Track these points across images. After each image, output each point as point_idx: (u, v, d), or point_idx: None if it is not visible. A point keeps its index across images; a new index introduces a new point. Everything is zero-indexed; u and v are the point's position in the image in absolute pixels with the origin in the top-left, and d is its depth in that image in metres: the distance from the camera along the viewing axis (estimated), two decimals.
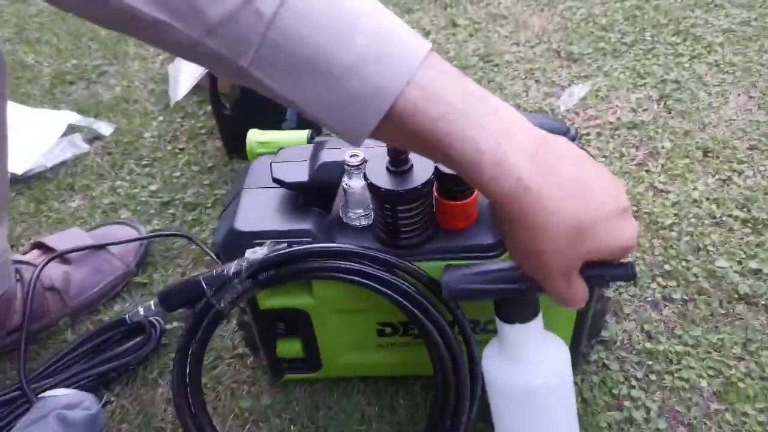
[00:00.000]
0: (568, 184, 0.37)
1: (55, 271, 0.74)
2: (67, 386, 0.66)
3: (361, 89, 0.34)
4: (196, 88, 1.09)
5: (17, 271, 0.72)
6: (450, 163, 0.37)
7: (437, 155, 0.37)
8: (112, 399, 0.66)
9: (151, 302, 0.53)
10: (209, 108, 1.04)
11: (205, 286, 0.50)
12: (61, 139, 0.98)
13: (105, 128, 1.02)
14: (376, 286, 0.50)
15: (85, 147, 0.98)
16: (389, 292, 0.50)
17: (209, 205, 0.88)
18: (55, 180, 0.95)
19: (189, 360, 0.52)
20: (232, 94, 0.93)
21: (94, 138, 1.01)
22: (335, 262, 0.50)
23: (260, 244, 0.51)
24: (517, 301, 0.48)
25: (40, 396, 0.63)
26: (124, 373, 0.68)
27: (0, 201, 0.66)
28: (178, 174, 0.94)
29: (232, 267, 0.50)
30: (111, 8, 0.32)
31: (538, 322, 0.49)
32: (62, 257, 0.76)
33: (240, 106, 0.91)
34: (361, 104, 0.34)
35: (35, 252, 0.77)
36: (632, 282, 0.71)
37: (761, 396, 0.61)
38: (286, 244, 0.51)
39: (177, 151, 0.99)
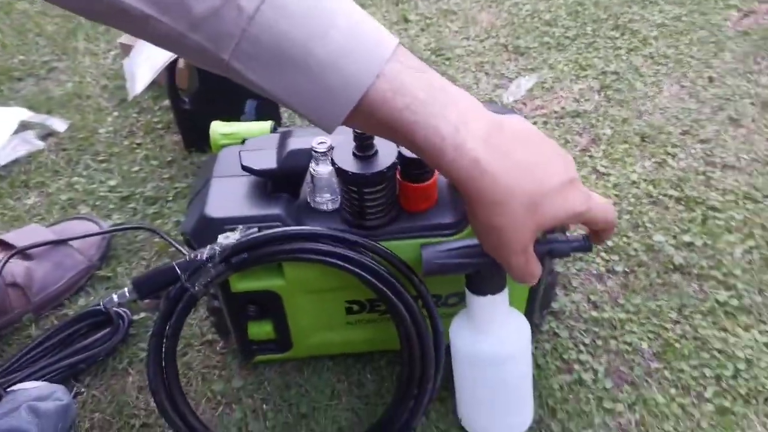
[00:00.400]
0: (520, 164, 0.41)
1: (16, 268, 0.74)
2: (36, 380, 0.66)
3: (335, 82, 0.37)
4: (152, 84, 1.09)
5: None
6: (414, 148, 0.41)
7: (403, 141, 0.40)
8: (83, 390, 0.67)
9: (125, 289, 0.54)
10: (165, 103, 1.04)
11: (179, 271, 0.52)
12: (13, 136, 0.97)
13: (59, 124, 1.00)
14: (344, 265, 0.53)
15: (39, 144, 0.97)
16: (357, 270, 0.53)
17: (170, 198, 0.89)
18: (9, 178, 0.93)
19: (164, 343, 0.54)
20: (190, 88, 0.94)
21: (47, 135, 1.00)
22: (305, 244, 0.53)
23: (231, 230, 0.53)
24: (488, 274, 0.52)
25: (9, 389, 0.63)
26: (94, 365, 0.69)
27: None
28: (136, 169, 0.94)
29: (205, 252, 0.52)
30: (101, 1, 0.34)
31: (505, 294, 0.54)
32: (23, 253, 0.75)
33: (198, 100, 0.92)
34: (334, 95, 0.37)
35: None
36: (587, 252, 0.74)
37: (695, 354, 0.67)
38: (257, 229, 0.53)
39: (134, 146, 0.98)
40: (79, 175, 0.93)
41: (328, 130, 0.40)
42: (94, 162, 0.95)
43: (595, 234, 0.48)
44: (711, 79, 1.05)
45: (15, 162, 0.95)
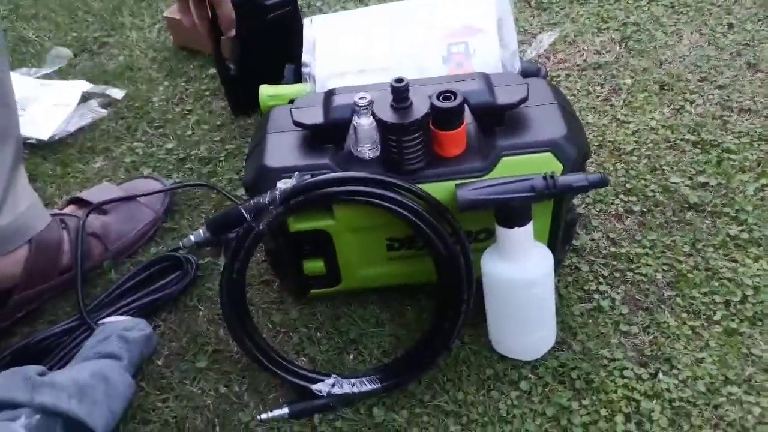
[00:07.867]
0: None
1: (94, 221, 0.84)
2: (121, 315, 0.76)
3: None
4: (196, 53, 1.17)
5: (62, 221, 0.82)
6: None
7: None
8: (160, 323, 0.77)
9: (200, 230, 0.63)
10: (210, 71, 1.13)
11: (245, 213, 0.61)
12: (79, 106, 1.06)
13: (117, 93, 1.10)
14: (387, 205, 0.60)
15: (103, 111, 1.07)
16: (398, 209, 0.60)
17: (222, 158, 0.98)
18: (76, 144, 1.03)
19: (234, 276, 0.63)
20: (233, 57, 1.02)
21: (107, 104, 1.09)
22: (352, 187, 0.60)
23: (288, 177, 0.61)
24: (516, 208, 0.59)
25: (100, 322, 0.74)
26: (168, 302, 0.79)
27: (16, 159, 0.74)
28: (189, 133, 1.03)
29: (267, 196, 0.61)
30: None
31: (530, 227, 0.61)
32: (99, 209, 0.85)
33: (242, 67, 0.99)
34: None
35: (73, 206, 0.86)
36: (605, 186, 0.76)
37: (705, 283, 0.74)
38: (310, 175, 0.61)
39: (185, 112, 1.07)
40: (138, 140, 1.03)
41: None
42: (150, 128, 1.05)
43: None
44: (730, 26, 1.07)
45: (80, 130, 1.05)
